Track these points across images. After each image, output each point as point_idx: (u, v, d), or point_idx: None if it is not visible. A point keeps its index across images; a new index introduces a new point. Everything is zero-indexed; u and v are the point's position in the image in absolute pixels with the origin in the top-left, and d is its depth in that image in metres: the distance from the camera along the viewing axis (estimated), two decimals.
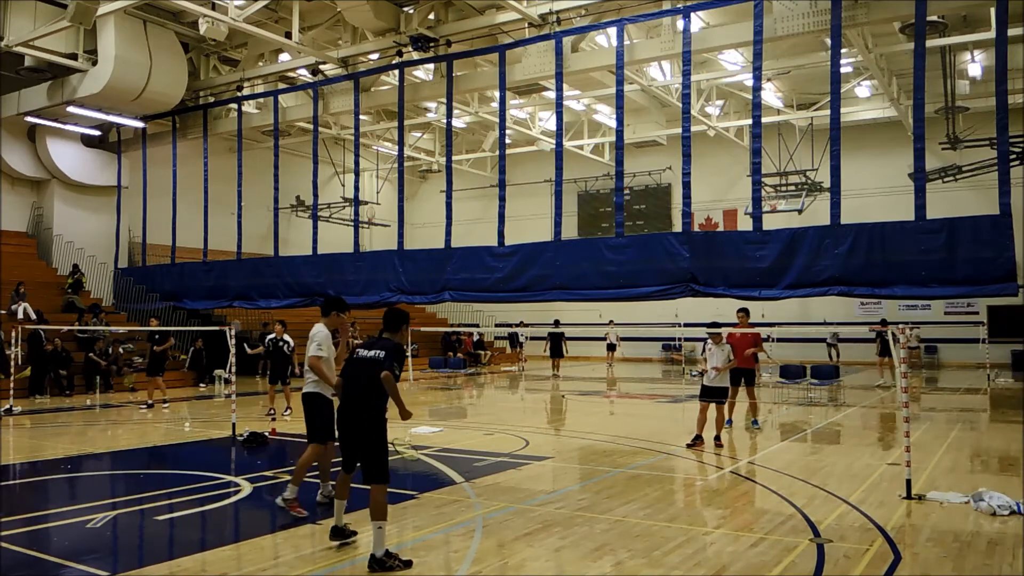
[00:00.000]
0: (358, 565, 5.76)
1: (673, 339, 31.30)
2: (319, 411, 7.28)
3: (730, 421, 12.39)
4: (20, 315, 19.23)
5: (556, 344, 25.78)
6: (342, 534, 6.24)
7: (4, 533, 6.59)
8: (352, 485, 6.29)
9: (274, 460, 10.48)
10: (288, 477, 7.55)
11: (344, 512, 6.33)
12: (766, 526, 6.88)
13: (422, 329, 26.57)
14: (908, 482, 7.86)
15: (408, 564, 5.65)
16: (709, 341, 11.39)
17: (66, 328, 18.49)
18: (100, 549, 6.40)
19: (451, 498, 7.98)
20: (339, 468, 6.28)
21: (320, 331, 7.32)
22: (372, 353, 5.93)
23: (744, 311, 12.21)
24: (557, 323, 26.00)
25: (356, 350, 6.15)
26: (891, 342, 12.98)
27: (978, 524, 6.98)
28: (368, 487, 5.81)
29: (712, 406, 11.16)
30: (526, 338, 30.42)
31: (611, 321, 27.80)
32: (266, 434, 11.67)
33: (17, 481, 9.35)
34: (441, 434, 12.36)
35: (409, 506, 7.60)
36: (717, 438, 11.18)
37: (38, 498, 8.56)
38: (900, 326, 8.66)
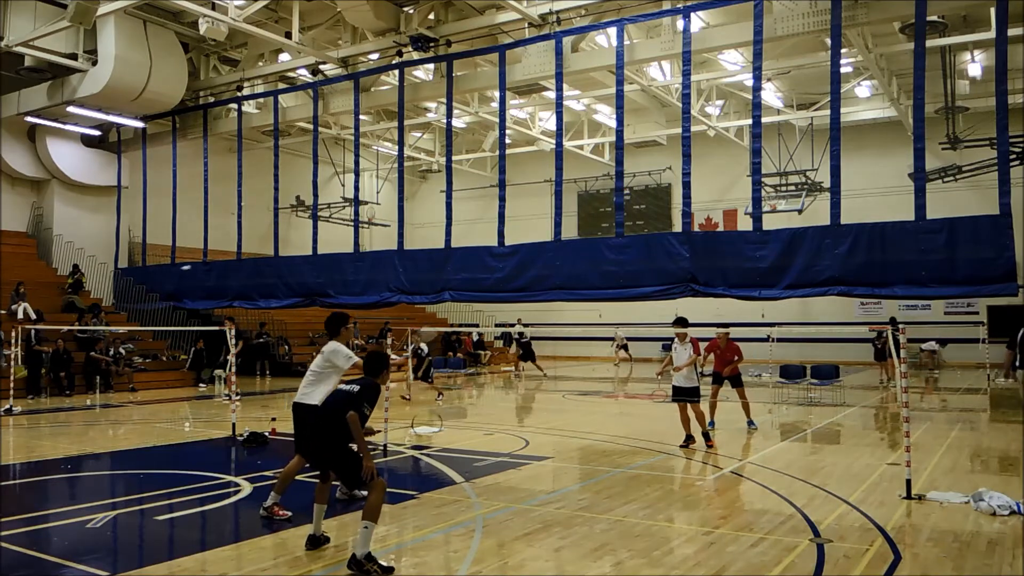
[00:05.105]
0: None
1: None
2: (304, 425, 7.13)
3: (712, 423, 12.05)
4: (20, 315, 19.23)
5: (527, 349, 26.64)
6: (318, 542, 6.20)
7: (4, 533, 6.59)
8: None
9: (274, 460, 10.47)
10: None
11: (323, 518, 6.30)
12: (766, 526, 6.87)
13: (422, 328, 26.55)
14: (908, 482, 7.86)
15: (389, 571, 5.55)
16: (675, 340, 11.38)
17: (66, 328, 18.48)
18: (100, 549, 6.40)
19: (451, 498, 7.98)
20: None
21: (339, 357, 7.23)
22: (349, 387, 6.07)
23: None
24: (521, 323, 26.62)
25: (341, 384, 6.33)
26: (891, 343, 13.00)
27: (978, 524, 6.98)
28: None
29: (688, 406, 11.12)
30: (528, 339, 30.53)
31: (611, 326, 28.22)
32: (266, 434, 11.67)
33: (17, 481, 9.35)
34: (441, 434, 12.36)
35: (409, 506, 7.61)
36: (705, 436, 11.13)
37: (38, 498, 8.57)
38: (902, 327, 8.68)
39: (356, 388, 6.02)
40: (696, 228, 25.69)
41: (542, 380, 24.35)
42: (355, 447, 5.82)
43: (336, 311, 6.79)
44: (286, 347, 25.93)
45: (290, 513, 7.05)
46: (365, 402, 5.93)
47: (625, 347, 29.21)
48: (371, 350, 6.52)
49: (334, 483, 6.59)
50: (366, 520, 5.62)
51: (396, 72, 16.90)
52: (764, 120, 13.73)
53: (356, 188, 17.27)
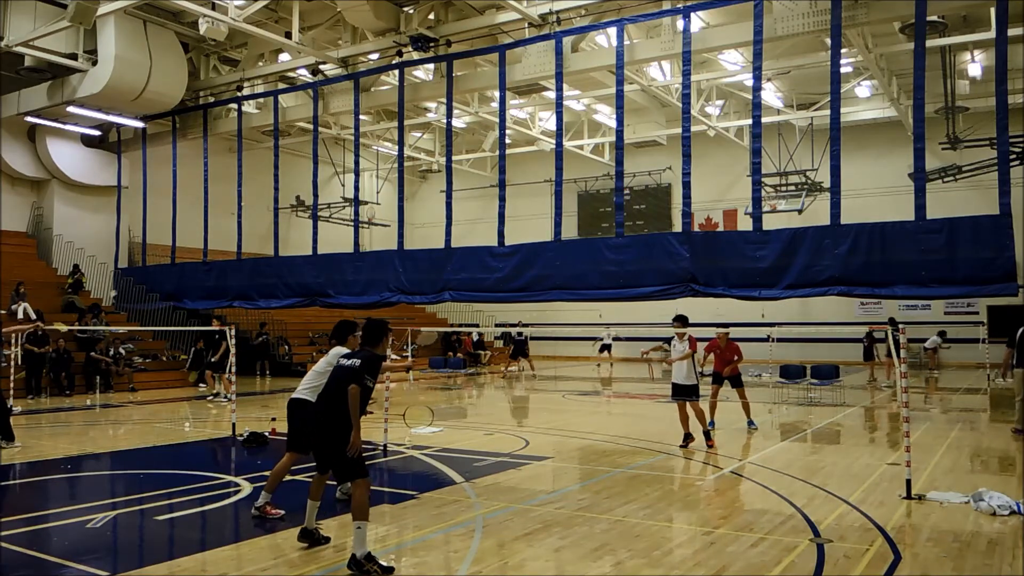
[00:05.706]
0: None
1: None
2: (301, 420, 7.11)
3: (712, 423, 11.95)
4: (20, 315, 19.21)
5: (519, 347, 26.61)
6: (311, 536, 6.22)
7: (4, 533, 6.59)
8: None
9: (274, 460, 10.44)
10: (289, 478, 7.55)
11: (316, 514, 6.32)
12: (766, 526, 6.88)
13: (422, 329, 26.55)
14: (908, 482, 7.86)
15: (389, 571, 5.56)
16: (675, 338, 11.37)
17: (66, 328, 18.46)
18: (100, 549, 6.40)
19: (451, 498, 7.98)
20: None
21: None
22: (350, 362, 6.06)
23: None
24: (521, 323, 26.64)
25: (340, 358, 6.29)
26: (890, 342, 13.01)
27: (978, 524, 6.98)
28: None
29: (687, 404, 11.11)
30: (525, 338, 30.61)
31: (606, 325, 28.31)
32: (266, 434, 11.67)
33: (17, 481, 9.35)
34: (441, 434, 12.36)
35: (409, 506, 7.61)
36: (706, 435, 11.12)
37: (38, 498, 8.56)
38: (902, 326, 8.69)
39: (357, 362, 6.02)
40: (696, 228, 25.70)
41: (520, 376, 24.56)
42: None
43: (344, 319, 6.82)
44: (286, 347, 25.94)
45: (283, 512, 7.05)
46: (366, 374, 5.92)
47: (607, 348, 29.04)
48: (368, 318, 6.51)
49: (331, 483, 6.59)
50: (357, 520, 5.63)
51: (396, 72, 16.88)
52: (764, 120, 13.72)
53: (356, 188, 17.26)
